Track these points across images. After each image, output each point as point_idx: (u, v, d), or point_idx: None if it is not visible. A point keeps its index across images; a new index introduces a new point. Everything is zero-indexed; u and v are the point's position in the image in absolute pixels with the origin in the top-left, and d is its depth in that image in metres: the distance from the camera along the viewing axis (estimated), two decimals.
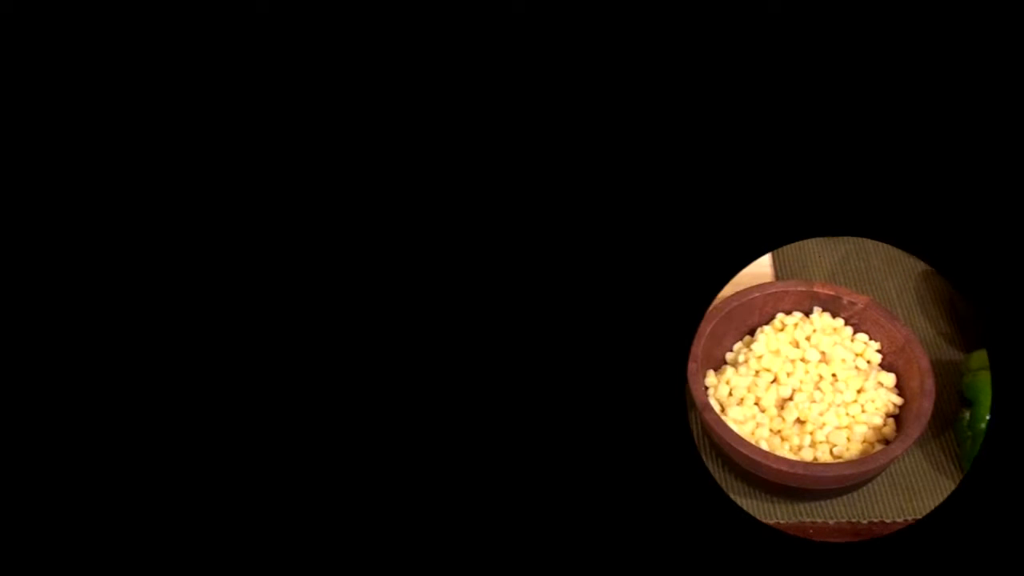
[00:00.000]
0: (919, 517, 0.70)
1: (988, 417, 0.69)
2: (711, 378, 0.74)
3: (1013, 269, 0.64)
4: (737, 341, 0.77)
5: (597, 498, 0.64)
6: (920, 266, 0.86)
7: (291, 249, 0.67)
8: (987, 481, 0.60)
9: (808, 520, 0.71)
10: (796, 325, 0.76)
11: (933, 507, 0.71)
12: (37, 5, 0.65)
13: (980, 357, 0.73)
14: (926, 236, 0.67)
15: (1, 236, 0.65)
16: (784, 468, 0.67)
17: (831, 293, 0.77)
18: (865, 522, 0.71)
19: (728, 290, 0.77)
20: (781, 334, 0.76)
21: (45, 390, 0.64)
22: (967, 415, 0.72)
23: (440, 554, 0.62)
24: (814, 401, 0.72)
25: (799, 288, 0.77)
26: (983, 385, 0.71)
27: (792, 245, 0.88)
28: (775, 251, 0.87)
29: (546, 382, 0.66)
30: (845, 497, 0.72)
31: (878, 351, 0.76)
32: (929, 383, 0.71)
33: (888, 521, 0.71)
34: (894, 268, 0.86)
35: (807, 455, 0.70)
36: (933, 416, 0.71)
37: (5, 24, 0.65)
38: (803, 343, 0.75)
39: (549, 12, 0.67)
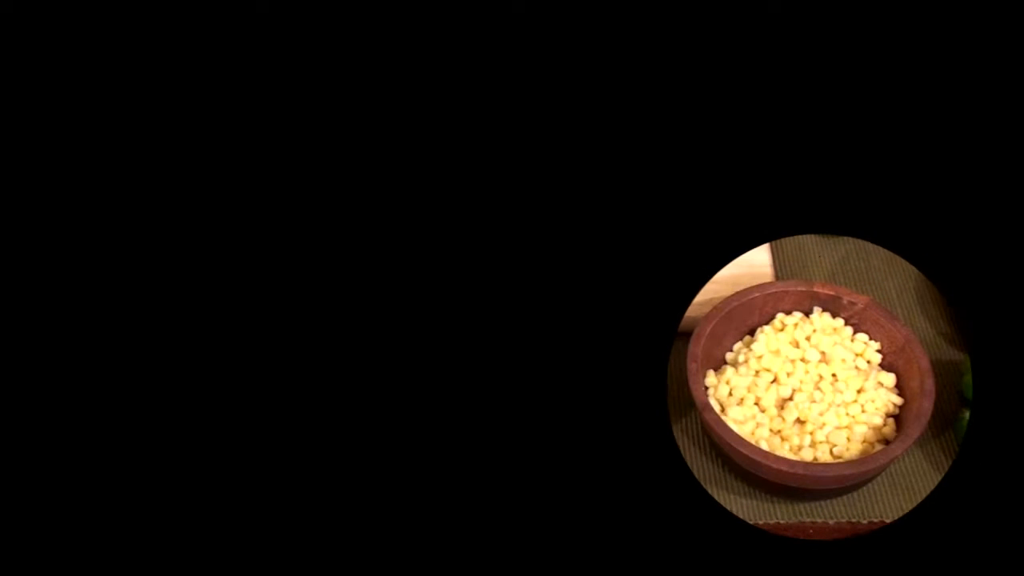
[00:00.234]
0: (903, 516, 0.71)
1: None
2: (711, 378, 0.74)
3: (998, 278, 0.65)
4: (737, 341, 0.77)
5: (587, 496, 0.64)
6: None
7: (289, 248, 0.67)
8: (971, 479, 0.61)
9: (808, 520, 0.71)
10: (796, 325, 0.76)
11: (932, 507, 0.71)
12: (37, 5, 0.65)
13: None
14: (917, 241, 0.67)
15: (1, 236, 0.65)
16: (784, 468, 0.67)
17: (831, 293, 0.77)
18: (865, 522, 0.71)
19: (728, 290, 0.78)
20: (781, 334, 0.76)
21: (45, 390, 0.64)
22: (967, 415, 0.72)
23: (418, 552, 0.62)
24: (814, 401, 0.72)
25: (799, 288, 0.77)
26: None
27: (792, 245, 0.88)
28: (775, 251, 0.87)
29: (533, 370, 0.65)
30: (845, 497, 0.72)
31: (878, 351, 0.76)
32: (929, 383, 0.71)
33: (888, 521, 0.71)
34: (894, 268, 0.86)
35: (807, 455, 0.70)
36: (933, 416, 0.71)
37: (5, 24, 0.65)
38: (803, 343, 0.75)
39: (549, 12, 0.67)
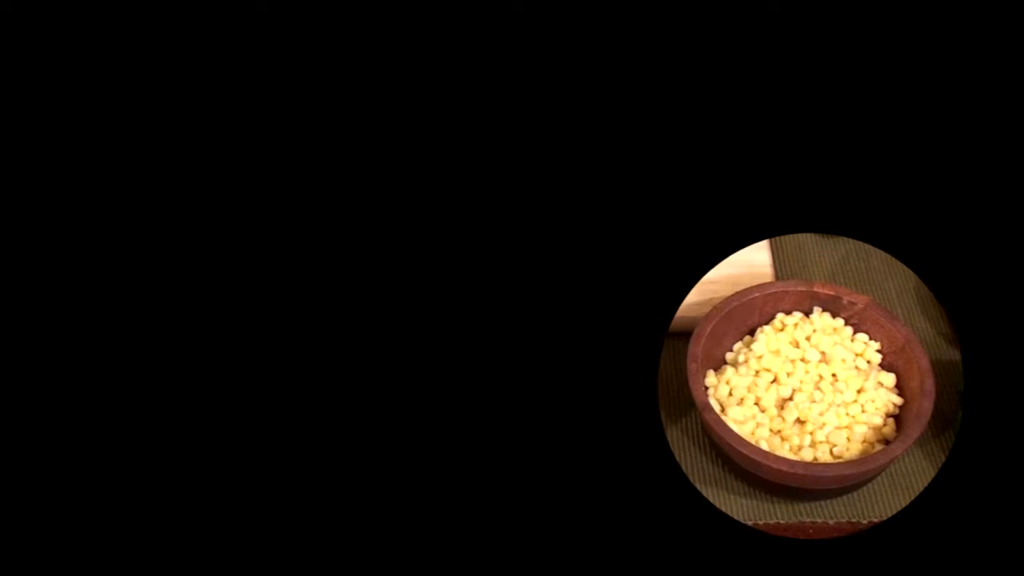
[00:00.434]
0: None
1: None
2: (711, 378, 0.74)
3: (994, 280, 0.65)
4: (737, 341, 0.77)
5: (582, 495, 0.64)
6: None
7: (288, 247, 0.67)
8: (967, 476, 0.61)
9: (808, 520, 0.71)
10: (796, 325, 0.76)
11: (929, 505, 0.71)
12: (37, 5, 0.65)
13: None
14: (913, 244, 0.68)
15: (1, 236, 0.65)
16: (784, 468, 0.67)
17: (831, 293, 0.77)
18: (865, 522, 0.71)
19: (728, 290, 0.78)
20: (781, 334, 0.76)
21: (45, 390, 0.64)
22: None
23: (414, 552, 0.62)
24: (814, 401, 0.72)
25: (799, 288, 0.77)
26: None
27: (792, 245, 0.88)
28: (775, 251, 0.87)
29: (525, 369, 0.65)
30: (845, 497, 0.72)
31: (878, 351, 0.76)
32: (929, 383, 0.71)
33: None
34: (894, 268, 0.86)
35: (807, 455, 0.70)
36: (933, 416, 0.71)
37: (5, 24, 0.65)
38: (803, 343, 0.75)
39: (549, 12, 0.67)
